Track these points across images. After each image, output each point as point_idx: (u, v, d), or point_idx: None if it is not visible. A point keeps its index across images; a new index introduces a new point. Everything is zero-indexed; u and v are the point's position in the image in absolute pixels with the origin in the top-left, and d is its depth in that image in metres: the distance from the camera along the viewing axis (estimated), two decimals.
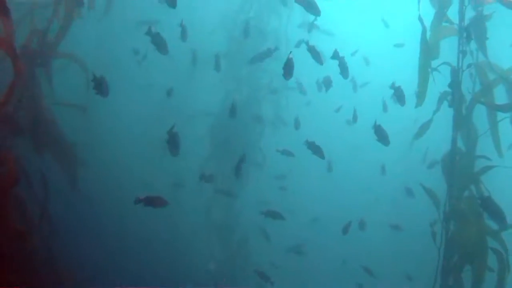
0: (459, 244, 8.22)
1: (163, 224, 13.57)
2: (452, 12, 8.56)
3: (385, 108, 13.54)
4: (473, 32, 8.38)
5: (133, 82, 15.57)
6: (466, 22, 8.44)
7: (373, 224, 13.90)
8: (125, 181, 14.16)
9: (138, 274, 10.85)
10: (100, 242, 12.46)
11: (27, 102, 9.20)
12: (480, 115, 8.54)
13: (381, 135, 8.69)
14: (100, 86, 7.88)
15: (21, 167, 8.23)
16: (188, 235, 14.61)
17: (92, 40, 14.77)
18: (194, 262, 13.84)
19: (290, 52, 8.08)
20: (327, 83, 10.47)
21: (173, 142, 8.19)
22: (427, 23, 8.54)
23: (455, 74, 8.38)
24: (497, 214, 7.64)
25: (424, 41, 8.51)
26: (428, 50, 8.53)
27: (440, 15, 8.60)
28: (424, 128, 9.05)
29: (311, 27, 12.51)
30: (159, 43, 8.59)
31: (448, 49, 8.60)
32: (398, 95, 9.33)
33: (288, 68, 8.04)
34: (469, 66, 8.41)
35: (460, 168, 8.43)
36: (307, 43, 8.98)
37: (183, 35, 10.20)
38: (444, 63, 8.48)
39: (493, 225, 7.96)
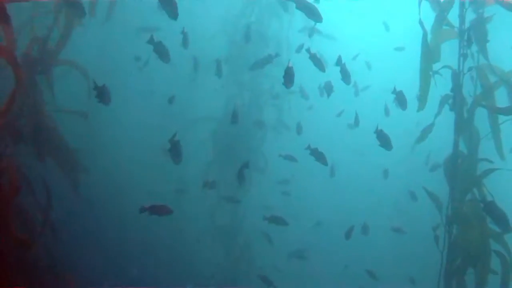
0: (462, 247, 8.21)
1: (165, 230, 13.56)
2: (453, 15, 8.56)
3: (387, 112, 13.52)
4: (474, 34, 8.39)
5: (134, 89, 15.57)
6: (467, 25, 8.45)
7: (376, 227, 13.87)
8: (128, 188, 14.16)
9: (140, 280, 10.85)
10: (102, 248, 12.46)
11: (28, 110, 9.21)
12: (481, 117, 8.53)
13: (383, 140, 8.65)
14: (102, 94, 7.88)
15: (23, 174, 8.25)
16: (191, 240, 14.61)
17: (93, 47, 14.78)
18: (197, 267, 13.83)
19: (289, 61, 8.08)
20: (328, 89, 10.45)
21: (175, 150, 8.16)
22: (428, 27, 8.55)
23: (456, 77, 8.38)
24: (500, 218, 7.62)
25: (425, 44, 8.51)
26: (429, 54, 8.53)
27: (441, 18, 8.60)
28: (426, 132, 9.05)
29: (312, 31, 12.51)
30: (161, 51, 8.58)
31: (449, 52, 8.60)
32: (400, 100, 9.32)
33: (288, 77, 8.03)
34: (470, 69, 8.41)
35: (462, 171, 8.43)
36: (308, 51, 8.94)
37: (185, 42, 10.20)
38: (445, 66, 8.49)
39: (496, 228, 7.94)
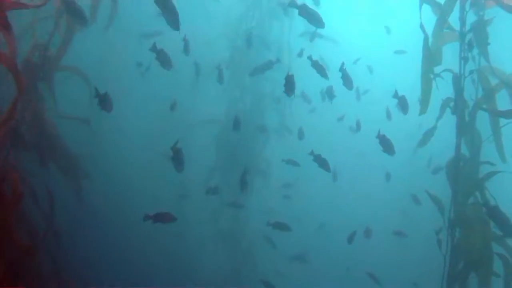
0: (464, 250, 8.19)
1: (168, 235, 13.56)
2: (454, 18, 8.56)
3: (388, 115, 13.52)
4: (475, 37, 8.39)
5: (136, 94, 15.58)
6: (468, 27, 8.45)
7: (378, 231, 13.87)
8: (130, 193, 14.17)
9: (144, 286, 10.84)
10: (105, 254, 12.46)
11: (30, 116, 9.22)
12: (483, 120, 8.53)
13: (385, 144, 8.66)
14: (104, 102, 7.88)
15: (26, 181, 8.25)
16: (194, 245, 14.61)
17: (95, 53, 14.79)
18: (200, 272, 13.83)
19: (289, 71, 8.10)
20: (329, 94, 10.45)
21: (177, 158, 8.15)
22: (429, 30, 8.55)
23: (457, 80, 8.38)
24: (504, 223, 7.61)
25: (426, 47, 8.52)
26: (430, 57, 8.54)
27: (442, 22, 8.59)
28: (428, 135, 9.06)
29: (313, 36, 12.52)
30: (163, 59, 8.59)
31: (450, 55, 8.60)
32: (402, 104, 9.33)
33: (289, 85, 8.05)
34: (471, 72, 8.41)
35: (465, 174, 8.42)
36: (310, 58, 8.93)
37: (186, 49, 10.22)
38: (446, 69, 8.48)
39: (498, 231, 7.93)
